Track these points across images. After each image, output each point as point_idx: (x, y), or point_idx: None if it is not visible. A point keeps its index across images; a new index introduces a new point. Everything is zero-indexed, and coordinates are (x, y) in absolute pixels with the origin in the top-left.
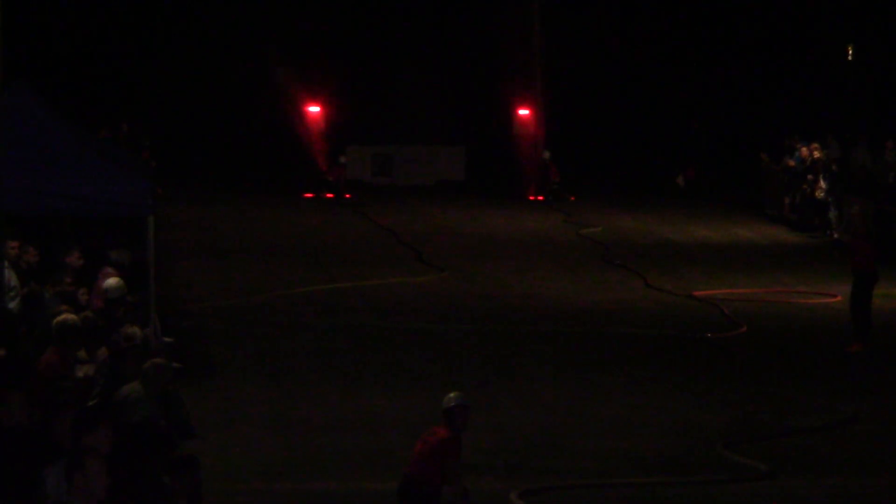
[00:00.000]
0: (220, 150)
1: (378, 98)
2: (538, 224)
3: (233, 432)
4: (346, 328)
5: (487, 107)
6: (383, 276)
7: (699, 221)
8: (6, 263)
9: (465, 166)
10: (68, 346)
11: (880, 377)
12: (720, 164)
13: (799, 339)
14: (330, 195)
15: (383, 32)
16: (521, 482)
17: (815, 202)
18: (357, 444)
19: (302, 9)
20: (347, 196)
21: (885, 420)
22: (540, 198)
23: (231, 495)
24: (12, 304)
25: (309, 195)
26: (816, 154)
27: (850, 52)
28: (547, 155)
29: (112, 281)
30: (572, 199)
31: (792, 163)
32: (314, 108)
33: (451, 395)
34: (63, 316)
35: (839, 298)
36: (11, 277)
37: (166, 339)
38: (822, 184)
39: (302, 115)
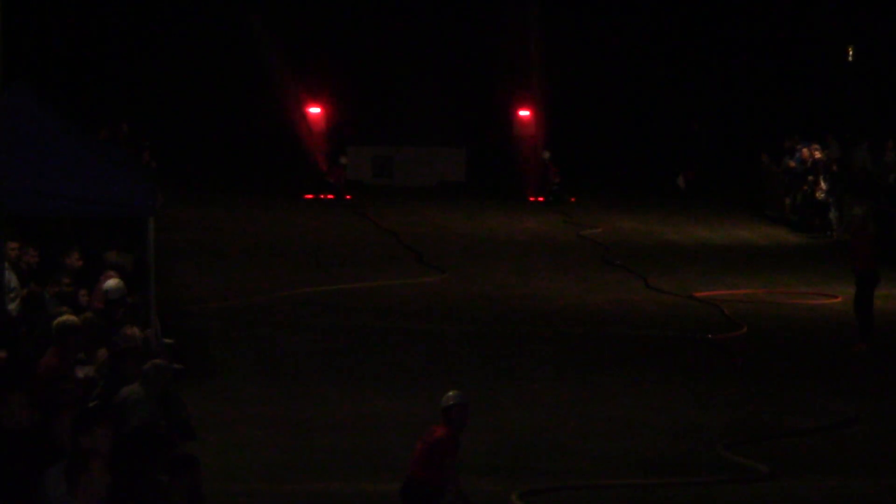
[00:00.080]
0: (221, 151)
1: (379, 99)
2: (538, 225)
3: (233, 433)
4: (346, 329)
5: (488, 108)
6: (384, 277)
7: (699, 222)
8: (6, 265)
9: (466, 167)
10: (68, 347)
11: (881, 378)
12: (720, 164)
13: (799, 339)
14: (330, 196)
15: (384, 34)
16: (522, 483)
17: (816, 203)
18: (357, 444)
19: (303, 10)
20: (348, 197)
21: (886, 421)
22: (540, 199)
23: (231, 496)
24: (12, 306)
25: (309, 196)
26: (817, 155)
27: (851, 52)
28: (546, 155)
29: (112, 282)
30: (572, 200)
31: (793, 163)
32: (315, 109)
33: (450, 393)
34: (64, 317)
35: (840, 299)
36: (12, 278)
37: (167, 340)
38: (823, 184)
39: (302, 116)
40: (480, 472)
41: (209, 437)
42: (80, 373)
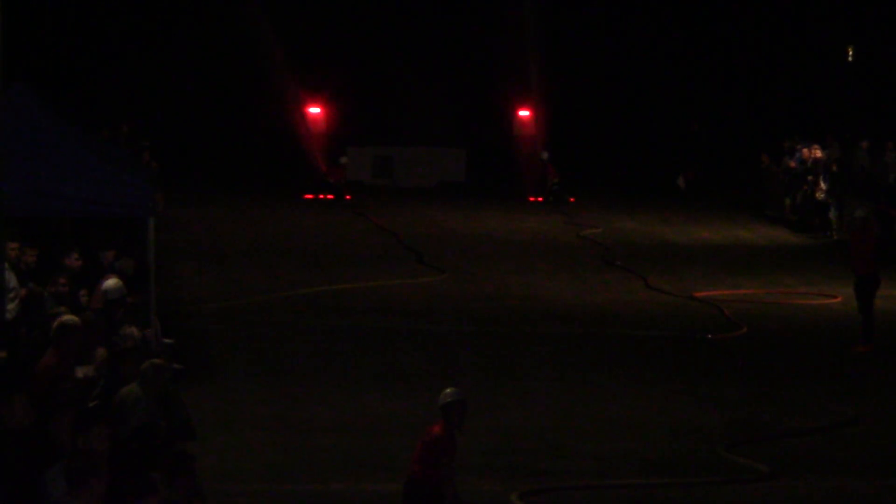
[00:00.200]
0: (221, 151)
1: (379, 99)
2: (538, 225)
3: (233, 433)
4: (346, 329)
5: (488, 108)
6: (383, 278)
7: (700, 222)
8: (6, 265)
9: (466, 167)
10: (67, 347)
11: (881, 378)
12: (720, 165)
13: (800, 340)
14: (330, 196)
15: (384, 34)
16: (522, 483)
17: (816, 203)
18: (357, 445)
19: (303, 10)
20: (348, 197)
21: (886, 421)
22: (540, 199)
23: (231, 496)
24: (11, 305)
25: (309, 196)
26: (817, 154)
27: (851, 53)
28: (545, 155)
29: (111, 282)
30: (572, 200)
31: (793, 164)
32: (315, 109)
33: (448, 390)
34: (63, 317)
35: (840, 299)
36: (11, 279)
37: (167, 341)
38: (823, 185)
39: (302, 116)
40: (480, 473)
41: (209, 438)
42: (80, 373)
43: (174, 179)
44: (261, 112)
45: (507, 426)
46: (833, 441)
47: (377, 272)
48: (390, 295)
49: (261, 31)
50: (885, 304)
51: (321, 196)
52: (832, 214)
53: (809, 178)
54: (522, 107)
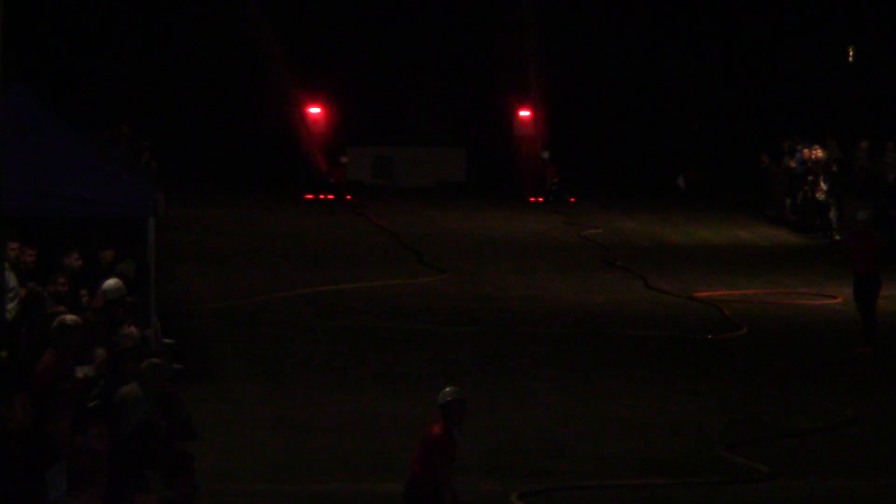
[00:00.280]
0: (221, 152)
1: (379, 99)
2: (538, 225)
3: (233, 433)
4: (346, 329)
5: (488, 108)
6: (383, 278)
7: (700, 223)
8: (6, 265)
9: (466, 168)
10: (67, 347)
11: (881, 378)
12: (720, 165)
13: (800, 340)
14: (330, 196)
15: (384, 34)
16: (522, 484)
17: (816, 203)
18: (357, 445)
19: (303, 10)
20: (348, 197)
21: (886, 421)
22: (540, 199)
23: (232, 496)
24: (10, 305)
25: (309, 196)
26: (819, 154)
27: (851, 53)
28: (546, 155)
29: (111, 282)
30: (572, 200)
31: (793, 164)
32: (315, 110)
33: (447, 389)
34: (63, 317)
35: (840, 300)
36: (11, 278)
37: (167, 341)
38: (823, 185)
39: (302, 117)
40: (480, 473)
41: (209, 438)
42: (80, 373)
43: (174, 179)
44: (261, 112)
45: (507, 426)
46: (833, 441)
47: (377, 272)
48: (390, 295)
49: (261, 31)
50: (884, 305)
51: (321, 196)
52: (832, 215)
53: (809, 178)
54: (522, 107)
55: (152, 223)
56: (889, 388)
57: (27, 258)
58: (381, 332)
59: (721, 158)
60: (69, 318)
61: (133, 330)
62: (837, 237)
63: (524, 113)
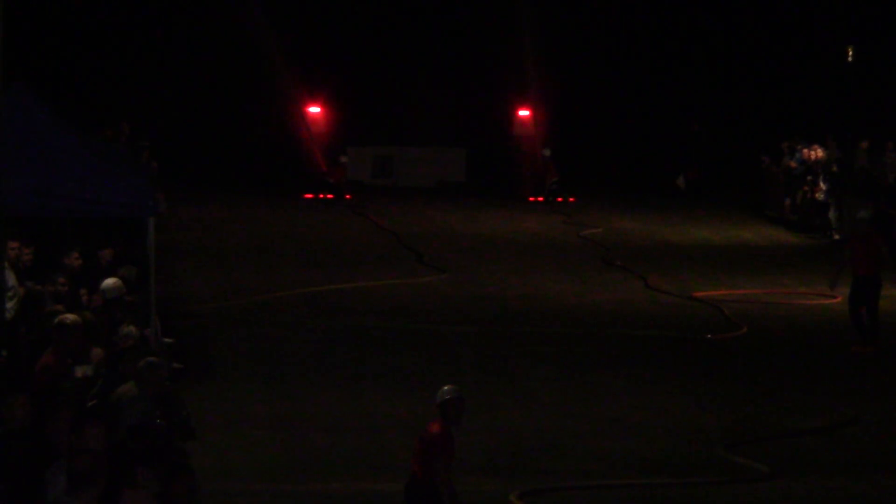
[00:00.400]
0: (221, 151)
1: (379, 99)
2: (538, 225)
3: (233, 433)
4: (346, 329)
5: (488, 108)
6: (383, 277)
7: (699, 223)
8: (6, 264)
9: (466, 167)
10: (66, 346)
11: (881, 378)
12: (721, 165)
13: (799, 340)
14: (330, 196)
15: (384, 34)
16: (521, 483)
17: (816, 203)
18: (357, 445)
19: (303, 10)
20: (348, 197)
21: (886, 421)
22: (540, 199)
23: (231, 496)
24: (9, 304)
25: (308, 196)
26: (819, 154)
27: (850, 53)
28: (547, 152)
29: (109, 281)
30: (572, 200)
31: (793, 164)
32: (315, 109)
33: (445, 388)
34: (62, 316)
35: (839, 299)
36: (10, 278)
37: (167, 340)
38: (822, 185)
39: (302, 116)
40: (479, 473)
41: (209, 437)
42: (79, 372)
43: (174, 179)
44: (261, 112)
45: (507, 426)
46: (833, 441)
47: (377, 272)
48: (390, 295)
49: (261, 31)
50: (884, 306)
51: (321, 196)
52: (832, 215)
53: (809, 178)
54: (522, 107)
55: (152, 223)
56: (889, 388)
57: (24, 257)
58: (380, 331)
59: (721, 158)
60: (68, 317)
61: (133, 329)
62: (837, 237)
63: (524, 113)
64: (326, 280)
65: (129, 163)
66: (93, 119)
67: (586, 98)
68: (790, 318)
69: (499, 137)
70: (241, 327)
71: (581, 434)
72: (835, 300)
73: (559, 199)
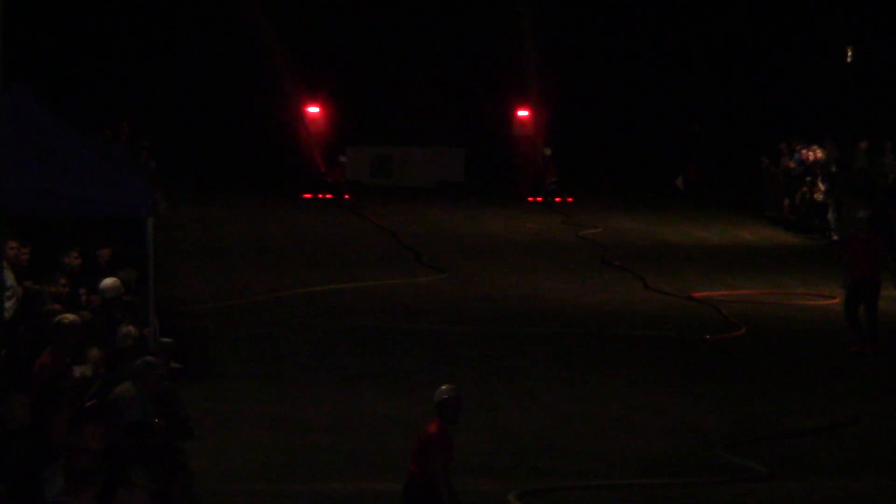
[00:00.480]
0: (220, 151)
1: (378, 99)
2: (537, 225)
3: (231, 433)
4: (345, 329)
5: (486, 108)
6: (382, 277)
7: (698, 223)
8: (5, 264)
9: (465, 167)
10: (64, 346)
11: (880, 378)
12: (720, 165)
13: (798, 340)
14: (329, 196)
15: (383, 34)
16: (520, 483)
17: (815, 204)
18: (356, 444)
19: (302, 9)
20: (346, 197)
21: (886, 421)
22: (538, 199)
23: (230, 496)
24: (9, 304)
25: (307, 196)
26: (818, 155)
27: (850, 53)
28: (548, 152)
29: (108, 281)
30: (570, 200)
31: (792, 164)
32: (314, 109)
33: (443, 387)
34: (60, 316)
35: (837, 300)
36: (9, 277)
37: (165, 340)
38: (821, 185)
39: (301, 116)
40: (478, 473)
41: (208, 437)
42: (77, 372)
43: (174, 179)
44: (260, 111)
45: (506, 426)
46: (832, 441)
47: (376, 272)
48: (389, 295)
49: (260, 31)
50: (883, 306)
51: (320, 196)
52: (830, 215)
53: (808, 179)
54: (521, 107)
55: (151, 222)
56: (888, 389)
57: (22, 257)
58: (379, 331)
59: (720, 159)
60: (66, 317)
61: (132, 329)
62: (836, 238)
63: (523, 113)
64: (325, 280)
65: (128, 163)
66: (93, 119)
67: (586, 98)
68: (788, 318)
69: (498, 138)
70: (240, 327)
71: (580, 434)
72: (833, 300)
73: (557, 200)
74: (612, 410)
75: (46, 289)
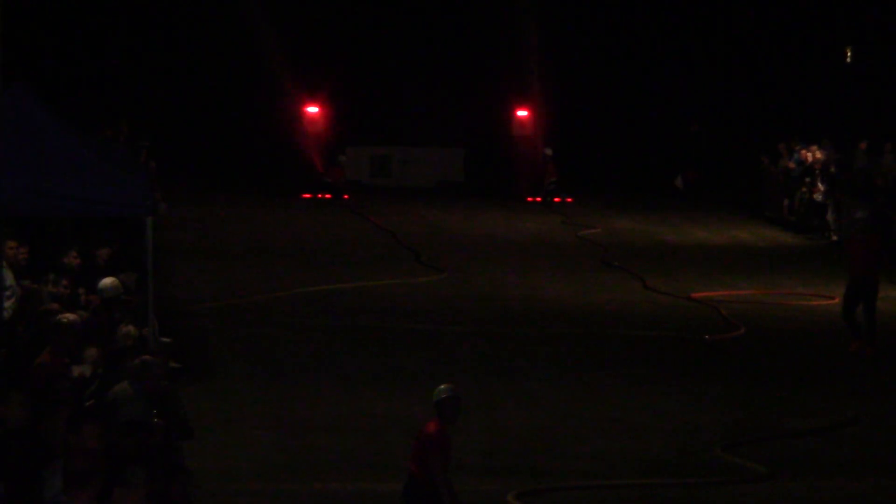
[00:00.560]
0: (220, 151)
1: (377, 99)
2: (537, 225)
3: (232, 432)
4: (344, 329)
5: (486, 109)
6: (382, 277)
7: (698, 223)
8: (4, 263)
9: (464, 167)
10: (63, 345)
11: (879, 379)
12: (719, 166)
13: (797, 340)
14: (328, 196)
15: (383, 34)
16: (519, 483)
17: (814, 204)
18: (356, 444)
19: (302, 10)
20: (346, 197)
21: (885, 422)
22: (538, 199)
23: (230, 495)
24: (8, 304)
25: (307, 196)
26: (817, 155)
27: (849, 54)
28: (549, 152)
29: (107, 280)
30: (570, 200)
31: (792, 165)
32: (313, 109)
33: (442, 387)
34: (59, 315)
35: (836, 300)
36: (8, 277)
37: (165, 340)
38: (820, 186)
39: (301, 116)
40: (477, 473)
41: (208, 437)
42: (76, 371)
43: (173, 179)
44: (260, 112)
45: (505, 426)
46: (832, 441)
47: (375, 272)
48: (389, 294)
49: (260, 32)
50: (882, 306)
51: (319, 196)
52: (829, 216)
53: (807, 179)
54: (521, 107)
55: (150, 222)
56: (887, 389)
57: (20, 256)
58: (379, 331)
59: (719, 159)
60: (65, 316)
61: (132, 329)
62: (835, 238)
63: (522, 113)
64: (325, 280)
65: (128, 163)
66: (92, 119)
67: (585, 98)
68: (788, 318)
69: (497, 138)
70: (240, 327)
71: (579, 434)
72: (832, 301)
73: (556, 200)
74: (611, 410)
75: (45, 288)
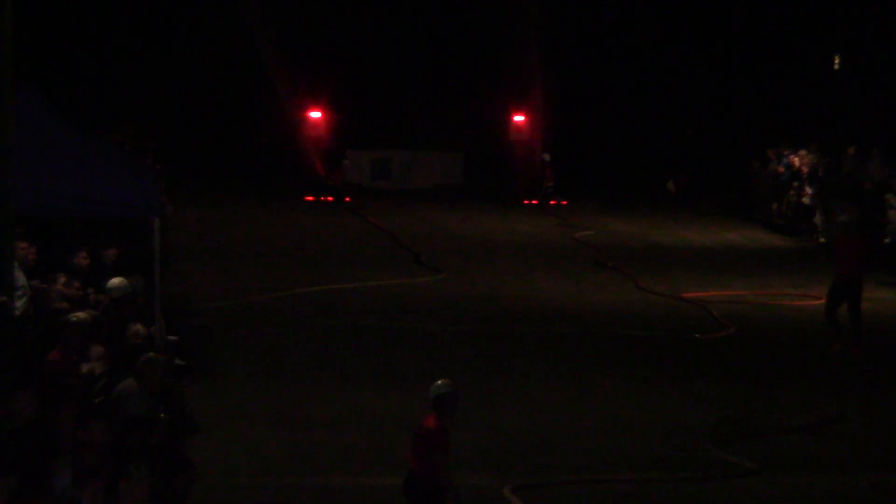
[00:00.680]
0: (224, 155)
1: (378, 104)
2: (533, 227)
3: (234, 429)
4: (345, 328)
5: (484, 113)
6: (382, 278)
7: (689, 226)
8: (15, 263)
9: (463, 171)
10: (72, 343)
11: (866, 376)
12: (710, 170)
13: (786, 339)
14: (330, 198)
15: (384, 39)
16: (515, 479)
17: (802, 207)
18: (356, 440)
19: (304, 15)
20: (347, 199)
21: (872, 419)
22: (534, 202)
23: (233, 490)
24: (19, 303)
25: (309, 198)
26: (806, 160)
27: (837, 61)
28: (547, 157)
29: (115, 280)
30: (564, 203)
31: (781, 169)
32: (315, 114)
33: (439, 382)
34: (69, 314)
35: (824, 301)
36: (19, 277)
37: (171, 338)
38: (809, 190)
39: (303, 121)
40: (474, 468)
41: (211, 433)
42: (85, 369)
43: (178, 181)
44: (263, 116)
45: (502, 423)
46: (819, 438)
47: (376, 272)
48: (388, 294)
49: (263, 37)
50: (869, 306)
51: (322, 198)
52: (817, 219)
53: (795, 183)
54: (518, 112)
55: (157, 223)
56: (873, 386)
57: (30, 256)
58: (379, 331)
59: (711, 163)
60: (75, 315)
61: (140, 328)
62: (822, 240)
63: (519, 118)
64: (326, 280)
65: (135, 165)
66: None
67: (580, 104)
68: (777, 318)
69: (496, 142)
70: (243, 326)
71: (575, 431)
72: (820, 301)
73: (552, 203)
74: (605, 408)
75: (54, 287)
